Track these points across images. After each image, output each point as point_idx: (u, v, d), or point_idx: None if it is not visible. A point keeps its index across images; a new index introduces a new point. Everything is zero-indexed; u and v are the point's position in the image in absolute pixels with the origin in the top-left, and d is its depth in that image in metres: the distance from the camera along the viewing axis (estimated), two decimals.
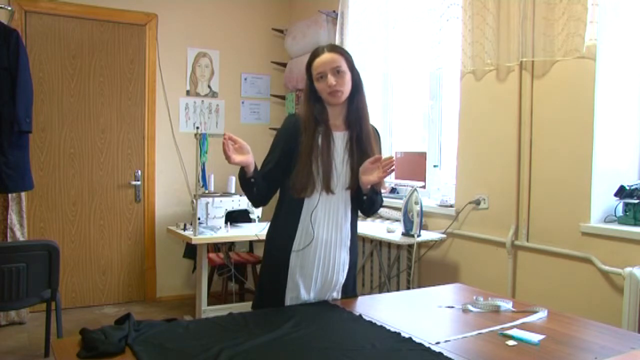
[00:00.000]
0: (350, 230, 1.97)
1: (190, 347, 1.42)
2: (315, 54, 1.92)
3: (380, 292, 3.59)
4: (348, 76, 1.90)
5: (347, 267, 1.98)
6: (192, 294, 4.38)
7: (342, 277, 1.97)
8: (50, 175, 4.22)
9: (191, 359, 1.34)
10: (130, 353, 1.38)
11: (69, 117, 4.26)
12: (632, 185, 2.47)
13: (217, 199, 3.68)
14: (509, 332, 1.58)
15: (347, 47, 3.85)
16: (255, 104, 4.97)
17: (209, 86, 4.76)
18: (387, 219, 3.64)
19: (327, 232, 1.91)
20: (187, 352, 1.39)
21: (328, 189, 1.88)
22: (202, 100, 4.73)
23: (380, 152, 2.03)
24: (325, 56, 1.89)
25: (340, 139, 1.93)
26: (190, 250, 4.33)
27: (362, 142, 1.92)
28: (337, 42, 3.93)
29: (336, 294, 1.97)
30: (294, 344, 1.47)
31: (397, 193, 3.80)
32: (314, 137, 1.88)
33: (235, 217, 3.92)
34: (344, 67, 1.89)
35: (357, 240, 2.06)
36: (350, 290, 2.03)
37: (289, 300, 1.91)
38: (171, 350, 1.40)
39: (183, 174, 4.64)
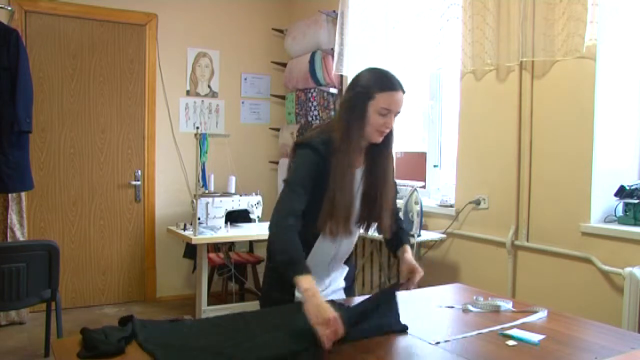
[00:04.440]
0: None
1: (191, 347, 1.42)
2: (391, 86, 1.73)
3: None
4: None
5: (345, 273, 1.99)
6: (192, 294, 4.38)
7: (342, 284, 1.98)
8: (50, 175, 4.22)
9: None
10: (130, 353, 1.38)
11: (69, 117, 4.26)
12: (632, 185, 2.47)
13: (217, 199, 3.68)
14: (509, 332, 1.58)
15: (347, 47, 3.85)
16: (255, 104, 4.96)
17: (209, 86, 4.76)
18: None
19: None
20: (188, 352, 1.39)
21: (347, 231, 1.77)
22: (202, 100, 4.73)
23: (392, 160, 1.93)
24: (401, 96, 1.75)
25: (358, 176, 1.79)
26: (190, 250, 4.33)
27: (377, 173, 1.80)
28: (337, 42, 3.92)
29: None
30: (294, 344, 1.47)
31: (397, 193, 3.79)
32: (353, 182, 1.72)
33: (235, 217, 3.92)
34: None
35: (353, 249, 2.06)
36: (351, 290, 2.04)
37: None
38: (174, 349, 1.40)
39: (183, 174, 4.64)
